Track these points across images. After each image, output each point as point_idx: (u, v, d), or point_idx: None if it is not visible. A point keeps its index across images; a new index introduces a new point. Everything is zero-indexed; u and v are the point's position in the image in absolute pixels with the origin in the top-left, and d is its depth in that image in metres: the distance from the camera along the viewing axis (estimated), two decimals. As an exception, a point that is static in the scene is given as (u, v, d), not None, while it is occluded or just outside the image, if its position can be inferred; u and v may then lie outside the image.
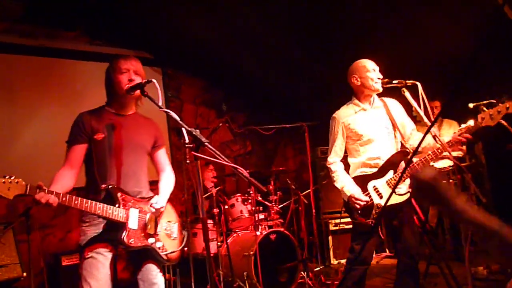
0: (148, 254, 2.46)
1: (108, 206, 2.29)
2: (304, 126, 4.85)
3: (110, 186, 2.35)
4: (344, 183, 3.17)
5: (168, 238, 2.57)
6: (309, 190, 4.99)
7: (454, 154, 4.28)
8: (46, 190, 2.07)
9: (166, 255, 2.50)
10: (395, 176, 3.04)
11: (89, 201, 2.22)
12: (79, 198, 2.19)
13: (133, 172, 2.50)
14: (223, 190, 5.08)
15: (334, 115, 3.32)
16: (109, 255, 2.34)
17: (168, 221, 2.62)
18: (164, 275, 2.59)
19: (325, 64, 5.48)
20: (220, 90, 7.04)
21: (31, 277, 4.00)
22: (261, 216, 4.75)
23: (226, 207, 4.82)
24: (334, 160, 3.30)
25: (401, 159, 3.07)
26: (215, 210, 4.55)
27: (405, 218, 3.11)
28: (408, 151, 3.11)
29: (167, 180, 2.73)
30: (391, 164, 3.08)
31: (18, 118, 5.13)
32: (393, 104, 3.27)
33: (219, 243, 4.40)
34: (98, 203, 2.25)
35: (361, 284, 3.12)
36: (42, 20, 5.26)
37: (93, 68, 5.41)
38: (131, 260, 2.55)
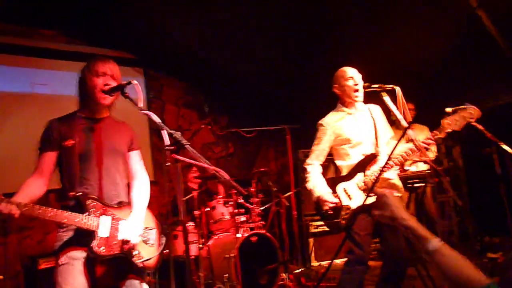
0: (124, 262, 2.38)
1: (77, 214, 2.22)
2: (286, 129, 4.87)
3: (79, 194, 2.28)
4: (315, 184, 3.21)
5: (145, 244, 2.49)
6: (290, 193, 5.02)
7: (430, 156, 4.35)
8: (6, 200, 2.02)
9: (142, 262, 2.41)
10: (365, 178, 3.09)
11: (54, 210, 2.15)
12: (43, 208, 2.12)
13: (111, 176, 2.43)
14: (206, 191, 5.05)
15: (321, 121, 3.34)
16: (85, 259, 2.27)
17: (145, 227, 2.52)
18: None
19: (308, 68, 5.52)
20: (202, 91, 7.02)
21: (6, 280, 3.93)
22: (242, 218, 4.75)
23: (208, 209, 4.81)
24: (311, 162, 3.32)
25: (370, 162, 3.13)
26: (196, 212, 4.54)
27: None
28: (377, 154, 3.16)
29: (140, 193, 2.59)
30: (360, 166, 3.14)
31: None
32: (375, 110, 3.34)
33: (200, 245, 4.38)
34: (65, 211, 2.19)
35: (362, 286, 3.12)
36: (20, 18, 5.16)
37: (72, 68, 5.27)
38: (110, 264, 2.44)
